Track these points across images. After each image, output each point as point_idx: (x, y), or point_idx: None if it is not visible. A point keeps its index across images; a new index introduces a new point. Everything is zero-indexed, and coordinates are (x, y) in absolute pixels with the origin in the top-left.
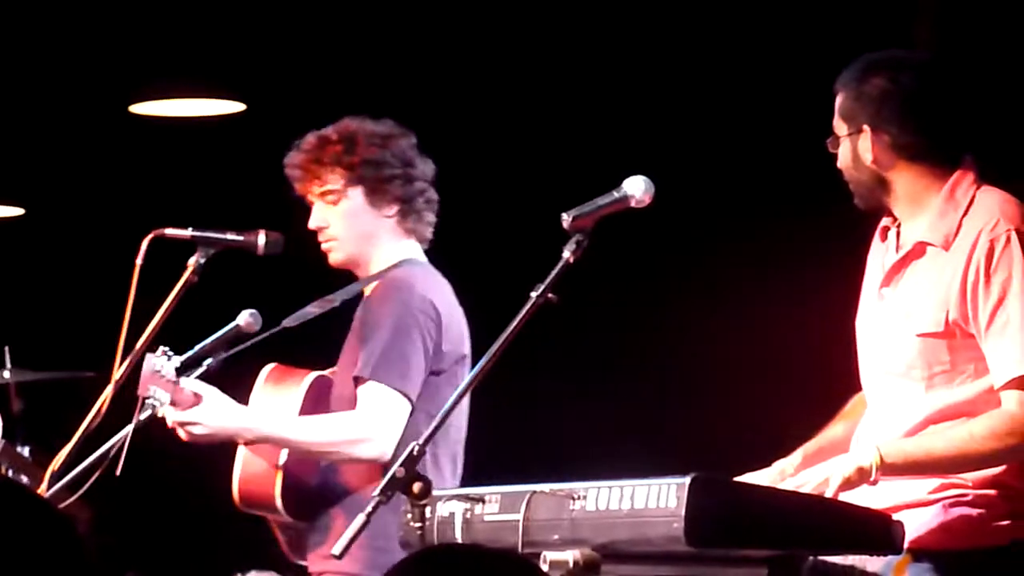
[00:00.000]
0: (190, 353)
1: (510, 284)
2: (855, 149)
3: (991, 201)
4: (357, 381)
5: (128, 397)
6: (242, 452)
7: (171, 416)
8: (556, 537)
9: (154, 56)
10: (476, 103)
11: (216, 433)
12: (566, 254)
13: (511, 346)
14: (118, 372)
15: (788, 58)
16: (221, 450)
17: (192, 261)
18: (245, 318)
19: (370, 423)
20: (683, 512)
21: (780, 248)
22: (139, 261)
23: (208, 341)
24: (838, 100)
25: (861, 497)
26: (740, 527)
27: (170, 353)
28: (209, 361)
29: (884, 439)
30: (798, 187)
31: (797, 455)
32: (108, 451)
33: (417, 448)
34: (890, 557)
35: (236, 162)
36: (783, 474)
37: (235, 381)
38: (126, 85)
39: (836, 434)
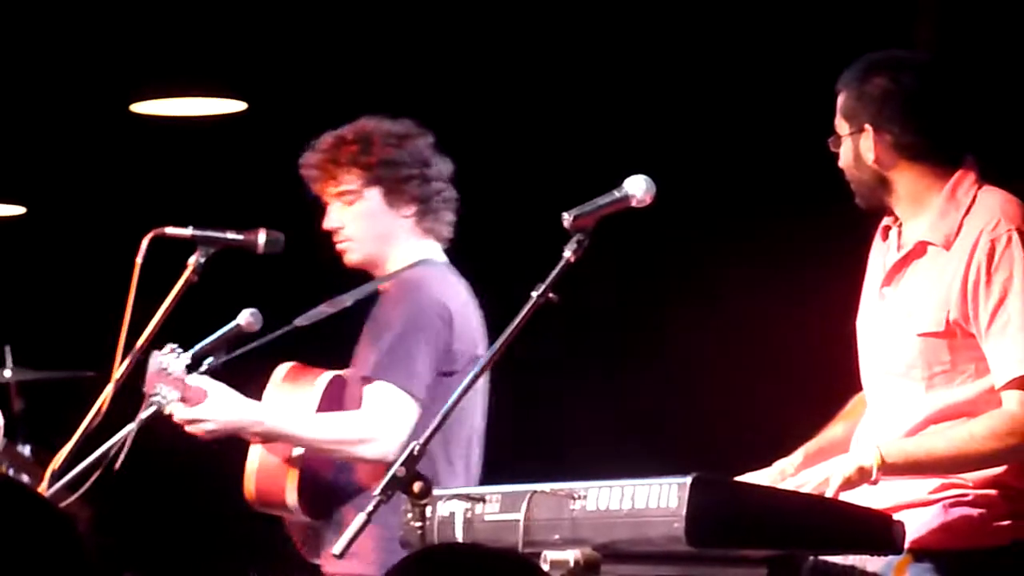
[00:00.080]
0: (191, 352)
1: (511, 284)
2: (857, 148)
3: (992, 201)
4: (365, 381)
5: (128, 396)
6: (256, 450)
7: (180, 413)
8: (557, 537)
9: (155, 55)
10: (477, 103)
11: (225, 428)
12: (567, 253)
13: (512, 345)
14: (118, 371)
15: (789, 58)
16: (222, 450)
17: (192, 260)
18: (246, 317)
19: (375, 423)
20: (684, 512)
21: (780, 248)
22: (139, 260)
23: (209, 340)
24: (840, 99)
25: (862, 497)
26: (740, 527)
27: (179, 350)
28: (210, 360)
29: (885, 439)
30: (798, 187)
31: (797, 455)
32: (109, 450)
33: (417, 448)
34: (891, 557)
35: (237, 161)
36: (783, 474)
37: (246, 379)
38: (127, 84)
39: (836, 434)
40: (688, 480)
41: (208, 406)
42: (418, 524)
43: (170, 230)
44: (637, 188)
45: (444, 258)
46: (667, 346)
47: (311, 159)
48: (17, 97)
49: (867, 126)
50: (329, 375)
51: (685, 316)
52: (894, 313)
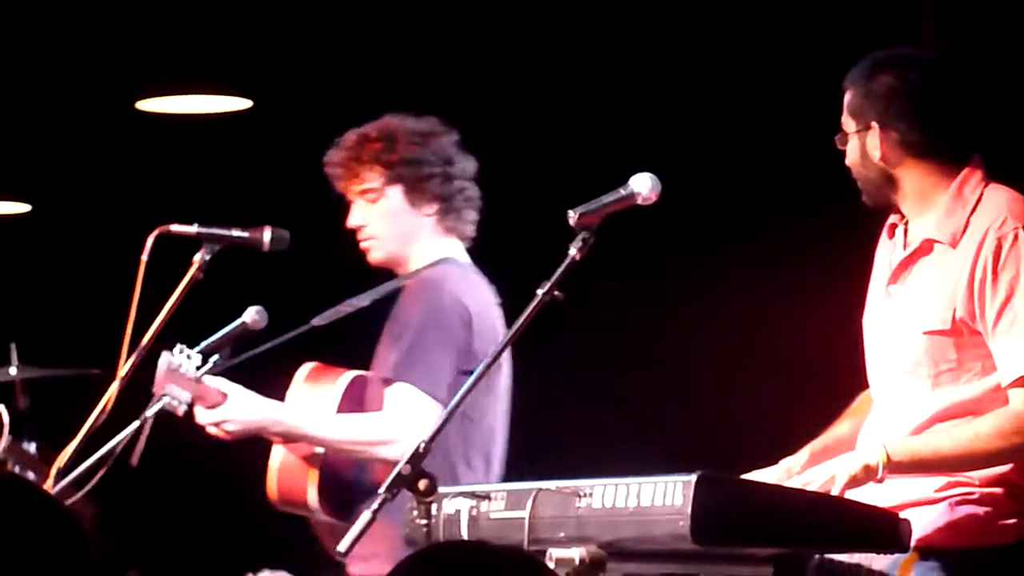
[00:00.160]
0: (196, 349)
1: (516, 281)
2: (863, 146)
3: (999, 199)
4: (386, 382)
5: (134, 394)
6: (278, 451)
7: (201, 416)
8: (562, 534)
9: (161, 53)
10: (482, 101)
11: (246, 428)
12: (572, 251)
13: (518, 343)
14: (124, 369)
15: (792, 57)
16: (227, 448)
17: (197, 257)
18: (251, 315)
19: (396, 425)
20: (689, 510)
21: (786, 246)
22: (145, 257)
23: (214, 338)
24: (846, 97)
25: (867, 495)
26: (746, 525)
27: (189, 352)
28: (216, 358)
29: (890, 437)
30: (803, 185)
31: (803, 453)
32: (114, 448)
33: (423, 446)
34: (896, 555)
35: (242, 159)
36: (789, 472)
37: (262, 379)
38: (132, 82)
39: (842, 432)
40: (693, 478)
41: (228, 407)
42: (423, 522)
43: (175, 227)
44: (643, 186)
45: (466, 257)
46: (673, 344)
47: (335, 156)
48: (22, 94)
49: (873, 124)
50: (351, 375)
51: (691, 313)
52: (900, 311)
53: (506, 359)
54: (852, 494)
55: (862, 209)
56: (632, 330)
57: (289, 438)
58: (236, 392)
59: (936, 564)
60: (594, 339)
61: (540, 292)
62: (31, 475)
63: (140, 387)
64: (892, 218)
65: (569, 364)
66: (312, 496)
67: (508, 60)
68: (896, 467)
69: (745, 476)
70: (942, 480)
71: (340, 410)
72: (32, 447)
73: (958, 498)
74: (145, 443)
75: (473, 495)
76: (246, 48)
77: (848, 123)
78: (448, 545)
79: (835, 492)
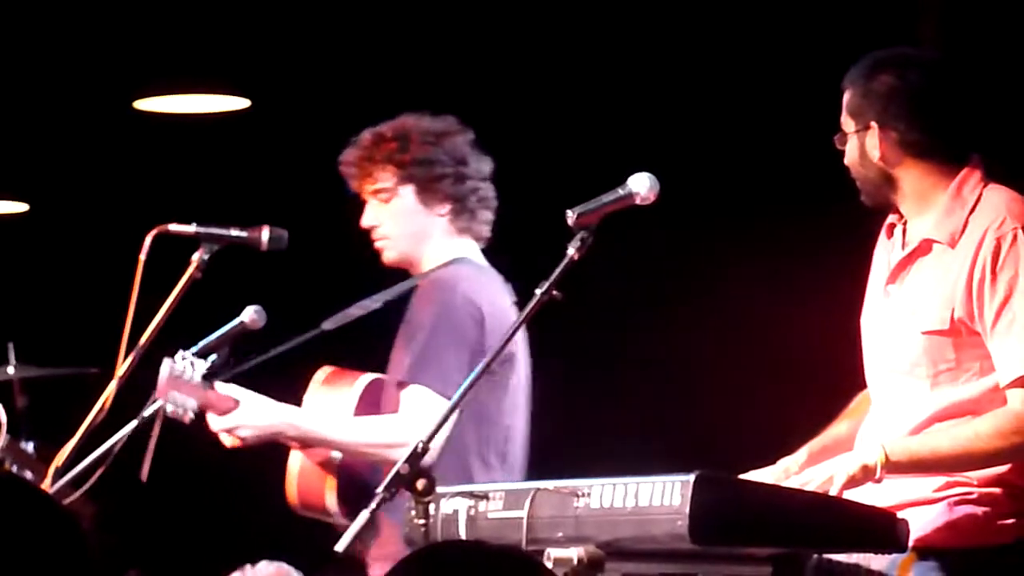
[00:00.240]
0: (194, 349)
1: (515, 281)
2: (862, 146)
3: (998, 199)
4: (400, 385)
5: (132, 393)
6: (296, 456)
7: (214, 423)
8: (560, 534)
9: (158, 52)
10: (479, 100)
11: (261, 434)
12: (571, 251)
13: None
14: (122, 368)
15: (792, 56)
16: (226, 447)
17: (196, 257)
18: (249, 314)
19: (410, 427)
20: (687, 510)
21: (786, 246)
22: (143, 257)
23: (212, 337)
24: (846, 97)
25: (866, 495)
26: (744, 525)
27: (193, 359)
28: (214, 357)
29: (889, 437)
30: (802, 185)
31: (802, 453)
32: (112, 447)
33: (421, 445)
34: (895, 555)
35: (240, 158)
36: (787, 472)
37: (271, 383)
38: (130, 81)
39: (841, 432)
40: (691, 478)
41: (241, 413)
42: (421, 521)
43: (174, 227)
44: (641, 186)
45: (481, 257)
46: (671, 344)
47: (349, 156)
48: (20, 94)
49: (873, 123)
50: (368, 378)
51: (689, 313)
52: (899, 311)
53: (525, 358)
54: (850, 494)
55: (861, 209)
56: (632, 330)
57: (304, 442)
58: (248, 397)
59: (934, 564)
60: (594, 339)
61: (538, 292)
62: (29, 474)
63: (138, 386)
64: (891, 218)
65: (569, 364)
66: (331, 501)
67: (507, 60)
68: (894, 467)
69: (743, 476)
70: (940, 480)
71: (357, 413)
72: (30, 446)
73: (957, 498)
74: (144, 442)
75: (471, 495)
76: (244, 47)
77: (847, 123)
78: (446, 545)
79: (833, 492)
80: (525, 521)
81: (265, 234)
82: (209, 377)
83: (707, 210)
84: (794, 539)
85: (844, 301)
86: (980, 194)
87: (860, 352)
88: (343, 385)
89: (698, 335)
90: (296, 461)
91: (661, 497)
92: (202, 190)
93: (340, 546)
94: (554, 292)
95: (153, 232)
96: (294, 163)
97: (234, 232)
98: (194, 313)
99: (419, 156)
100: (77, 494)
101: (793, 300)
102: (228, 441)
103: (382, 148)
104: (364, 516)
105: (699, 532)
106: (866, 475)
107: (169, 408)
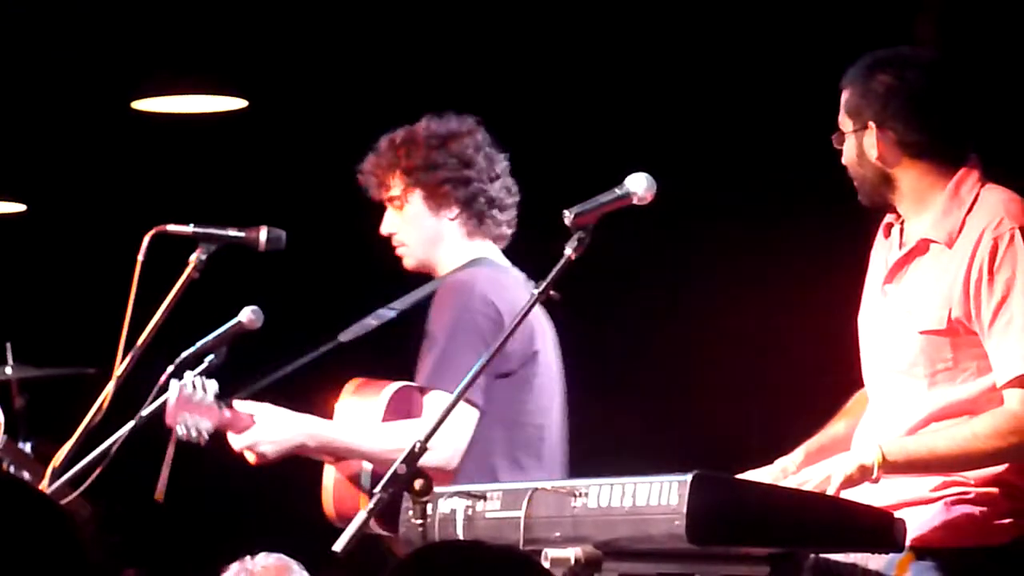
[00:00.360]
0: (191, 350)
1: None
2: (860, 145)
3: (995, 199)
4: (422, 391)
5: (130, 393)
6: (330, 470)
7: (234, 442)
8: (557, 534)
9: (156, 52)
10: (478, 100)
11: (282, 447)
12: (568, 251)
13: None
14: (120, 368)
15: (791, 56)
16: (225, 447)
17: (194, 257)
18: (247, 315)
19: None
20: (685, 510)
21: (783, 245)
22: (141, 257)
23: (209, 338)
24: (844, 96)
25: (863, 495)
26: (742, 525)
27: (202, 380)
28: (211, 358)
29: (886, 437)
30: (800, 185)
31: (799, 453)
32: (110, 447)
33: (418, 445)
34: (892, 555)
35: (238, 159)
36: (785, 472)
37: (290, 395)
38: (128, 81)
39: (838, 431)
40: (689, 478)
41: (259, 429)
42: (419, 521)
43: (171, 227)
44: (638, 186)
45: (500, 257)
46: (668, 344)
47: (366, 164)
48: (18, 94)
49: (871, 123)
50: (395, 386)
51: (686, 314)
52: (896, 310)
53: (554, 358)
54: (848, 494)
55: (860, 209)
56: (632, 330)
57: (328, 452)
58: (265, 412)
59: (932, 564)
60: (594, 339)
61: (536, 291)
62: (26, 474)
63: (136, 387)
64: (888, 217)
65: (568, 364)
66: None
67: (505, 60)
68: (892, 467)
69: (741, 476)
70: (938, 480)
71: (385, 421)
72: (28, 446)
73: (954, 498)
74: (144, 443)
75: (469, 495)
76: (242, 48)
77: (845, 122)
78: (444, 545)
79: (831, 492)
80: (522, 521)
81: (263, 234)
82: (223, 396)
83: (707, 210)
84: (791, 539)
85: (842, 301)
86: (978, 194)
87: (858, 352)
88: (371, 394)
89: (696, 335)
90: (330, 474)
91: (658, 497)
92: (200, 190)
93: (339, 546)
94: (551, 292)
95: (151, 232)
96: (292, 163)
97: (232, 232)
98: (192, 313)
99: (422, 161)
100: (75, 494)
101: (791, 300)
102: (251, 458)
103: (390, 154)
104: (362, 516)
105: (696, 532)
106: (863, 475)
107: (181, 431)
